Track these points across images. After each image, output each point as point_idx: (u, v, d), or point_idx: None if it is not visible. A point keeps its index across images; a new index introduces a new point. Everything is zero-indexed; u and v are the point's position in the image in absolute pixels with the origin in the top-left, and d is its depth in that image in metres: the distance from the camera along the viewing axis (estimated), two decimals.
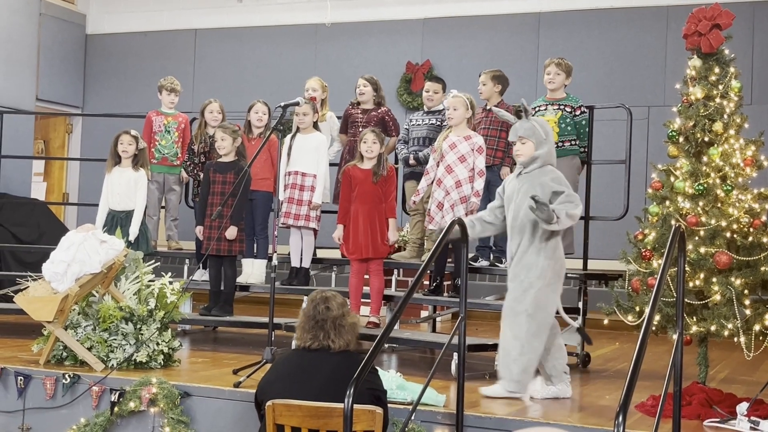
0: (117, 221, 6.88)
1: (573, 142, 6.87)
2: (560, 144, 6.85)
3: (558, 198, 4.85)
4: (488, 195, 6.99)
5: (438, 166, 6.55)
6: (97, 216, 7.02)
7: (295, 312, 7.27)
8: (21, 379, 5.28)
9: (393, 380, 4.78)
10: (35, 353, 5.65)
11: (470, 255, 6.84)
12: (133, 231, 6.87)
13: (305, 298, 6.39)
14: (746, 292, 4.89)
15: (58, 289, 5.37)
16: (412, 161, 7.31)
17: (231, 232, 6.73)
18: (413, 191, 7.02)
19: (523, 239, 4.95)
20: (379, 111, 7.45)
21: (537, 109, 6.99)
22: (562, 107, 6.85)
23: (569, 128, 6.85)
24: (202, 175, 7.34)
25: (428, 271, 6.08)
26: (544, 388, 5.03)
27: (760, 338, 4.81)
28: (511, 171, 7.13)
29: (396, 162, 7.58)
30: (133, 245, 6.68)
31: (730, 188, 5.01)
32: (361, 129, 7.19)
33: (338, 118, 7.78)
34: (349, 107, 7.59)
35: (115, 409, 5.01)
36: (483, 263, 7.02)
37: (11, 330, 7.00)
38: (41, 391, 5.24)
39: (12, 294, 5.70)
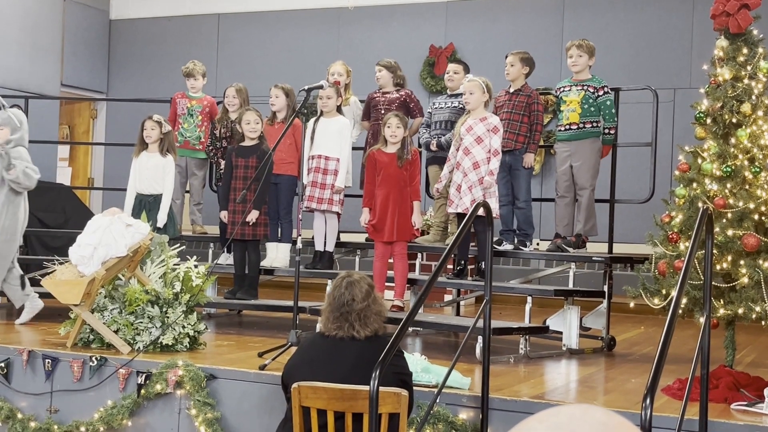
0: (144, 205, 6.91)
1: (595, 124, 6.81)
2: (581, 125, 6.80)
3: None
4: (510, 179, 6.96)
5: (458, 151, 6.54)
6: (126, 200, 7.04)
7: (320, 295, 7.28)
8: (48, 362, 5.34)
9: (418, 363, 4.78)
10: (62, 336, 5.70)
11: (494, 239, 6.82)
12: (162, 218, 6.88)
13: (329, 281, 6.40)
14: None
15: (84, 272, 5.41)
16: (434, 147, 7.28)
17: (252, 216, 6.74)
18: (436, 176, 7.01)
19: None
20: (400, 94, 7.44)
21: (561, 89, 6.94)
22: (585, 87, 6.80)
23: (592, 109, 6.79)
24: (223, 161, 7.35)
25: (452, 255, 6.09)
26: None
27: None
28: (536, 156, 7.15)
29: (419, 146, 7.56)
30: (161, 230, 6.72)
31: (758, 170, 4.95)
32: (383, 113, 7.17)
33: (361, 102, 7.76)
34: (372, 93, 7.58)
35: (142, 391, 5.06)
36: (507, 247, 6.99)
37: (38, 313, 7.06)
38: (68, 374, 5.29)
39: (39, 277, 5.75)
